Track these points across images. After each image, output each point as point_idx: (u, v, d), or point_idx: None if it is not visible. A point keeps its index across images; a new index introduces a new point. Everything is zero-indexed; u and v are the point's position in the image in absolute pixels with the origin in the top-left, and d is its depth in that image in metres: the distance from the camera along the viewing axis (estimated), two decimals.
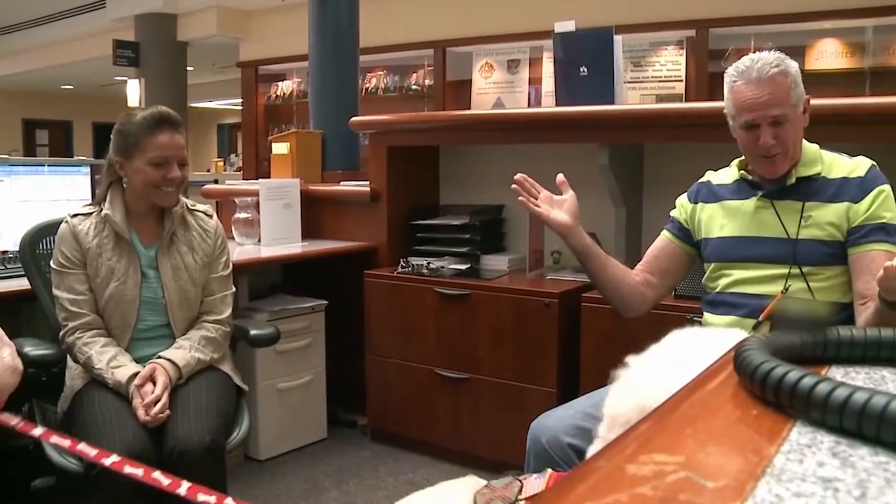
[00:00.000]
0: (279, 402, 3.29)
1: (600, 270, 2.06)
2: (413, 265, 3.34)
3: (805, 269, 1.89)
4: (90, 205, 2.29)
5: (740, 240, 1.99)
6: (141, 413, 2.00)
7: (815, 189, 1.91)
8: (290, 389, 3.32)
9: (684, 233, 2.14)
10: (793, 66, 1.88)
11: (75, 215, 2.24)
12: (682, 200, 2.17)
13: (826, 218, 1.88)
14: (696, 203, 2.12)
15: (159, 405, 2.02)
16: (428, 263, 3.31)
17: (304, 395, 3.39)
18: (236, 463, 3.16)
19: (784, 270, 1.91)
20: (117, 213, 2.21)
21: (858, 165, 1.92)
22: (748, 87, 1.86)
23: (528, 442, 1.97)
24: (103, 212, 2.21)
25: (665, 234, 2.18)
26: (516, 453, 2.93)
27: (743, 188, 2.02)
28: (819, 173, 1.92)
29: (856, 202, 1.87)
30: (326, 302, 3.46)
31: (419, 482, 3.06)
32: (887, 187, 1.88)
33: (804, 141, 1.96)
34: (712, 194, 2.09)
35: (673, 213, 2.19)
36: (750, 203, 1.99)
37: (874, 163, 1.93)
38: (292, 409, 3.34)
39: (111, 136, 2.23)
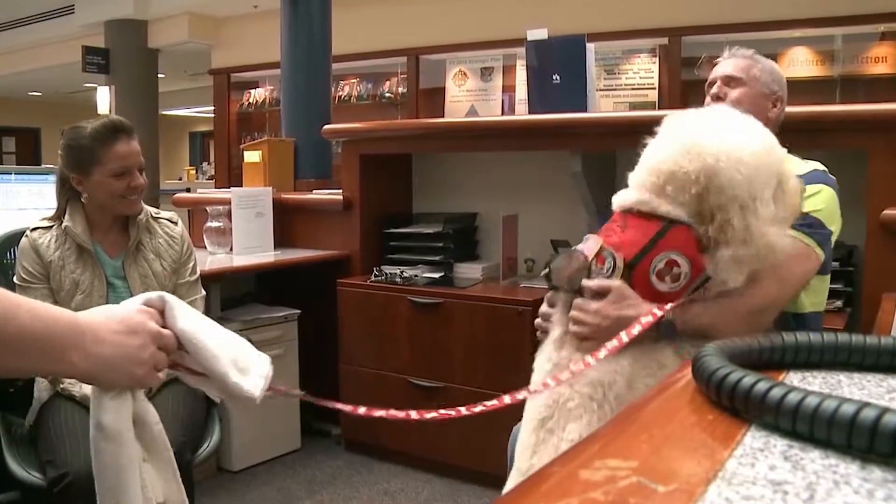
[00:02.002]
0: (252, 412, 3.26)
1: None
2: (386, 274, 3.33)
3: None
4: (49, 218, 2.25)
5: None
6: None
7: None
8: (263, 399, 3.29)
9: None
10: (766, 62, 2.01)
11: (35, 229, 2.20)
12: None
13: None
14: None
15: None
16: (401, 272, 3.31)
17: (277, 406, 3.37)
18: (209, 474, 3.13)
19: None
20: (78, 226, 2.17)
21: (803, 167, 1.89)
22: (720, 62, 2.06)
23: (510, 447, 1.96)
24: (64, 224, 2.17)
25: None
26: (491, 462, 2.94)
27: None
28: None
29: None
30: (299, 311, 3.44)
31: (393, 492, 3.05)
32: (823, 188, 1.82)
33: None
34: None
35: None
36: None
37: (820, 168, 1.90)
38: (265, 419, 3.32)
39: (61, 153, 2.17)
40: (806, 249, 1.72)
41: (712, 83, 2.04)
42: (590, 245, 1.52)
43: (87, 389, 2.03)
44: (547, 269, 1.56)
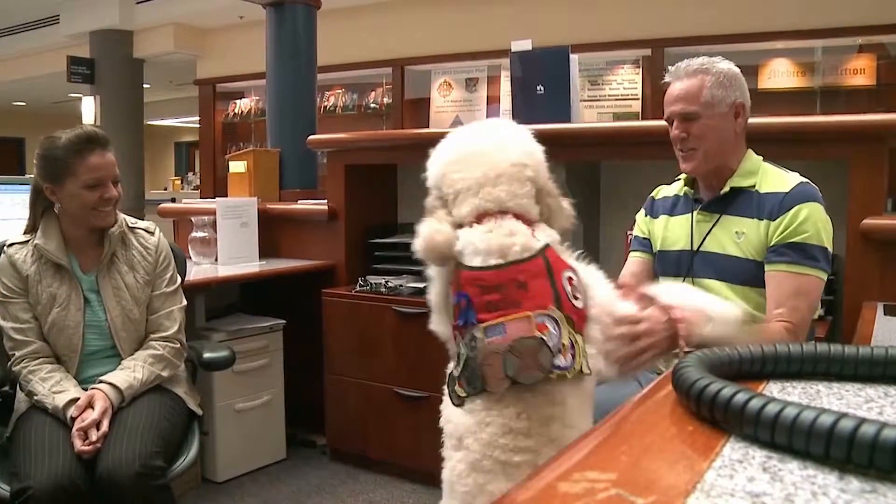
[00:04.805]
0: (237, 422, 3.25)
1: None
2: (371, 284, 3.33)
3: (730, 284, 1.90)
4: (26, 232, 2.23)
5: (678, 253, 2.01)
6: (77, 443, 1.93)
7: (745, 203, 1.90)
8: (248, 410, 3.29)
9: (649, 245, 2.14)
10: (722, 68, 1.89)
11: (11, 244, 2.19)
12: (640, 215, 2.19)
13: (753, 234, 1.87)
14: (647, 216, 2.15)
15: (99, 433, 1.96)
16: (386, 282, 3.30)
17: (262, 416, 3.36)
18: (193, 486, 3.11)
19: (715, 283, 1.92)
20: (51, 242, 2.15)
21: (787, 182, 1.87)
22: (672, 84, 1.95)
23: None
24: (35, 242, 2.16)
25: (635, 256, 2.16)
26: None
27: (687, 202, 2.04)
28: (753, 186, 1.91)
29: (773, 219, 1.83)
30: (284, 321, 3.43)
31: (379, 502, 3.04)
32: (811, 205, 1.81)
33: (750, 152, 1.97)
34: (659, 209, 2.12)
35: (634, 232, 2.19)
36: (688, 217, 2.01)
37: (805, 180, 1.88)
38: (250, 429, 3.30)
39: (35, 162, 2.15)
40: (806, 281, 1.78)
41: (670, 119, 1.95)
42: (517, 327, 1.41)
43: (59, 402, 2.01)
44: (506, 378, 1.41)
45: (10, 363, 2.13)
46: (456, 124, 6.91)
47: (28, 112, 15.32)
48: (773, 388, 0.78)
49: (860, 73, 5.66)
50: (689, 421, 0.65)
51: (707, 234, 1.94)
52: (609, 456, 0.57)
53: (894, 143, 2.38)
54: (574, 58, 3.13)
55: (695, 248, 1.95)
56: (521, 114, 3.26)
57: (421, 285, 3.31)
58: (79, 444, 1.93)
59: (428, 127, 7.02)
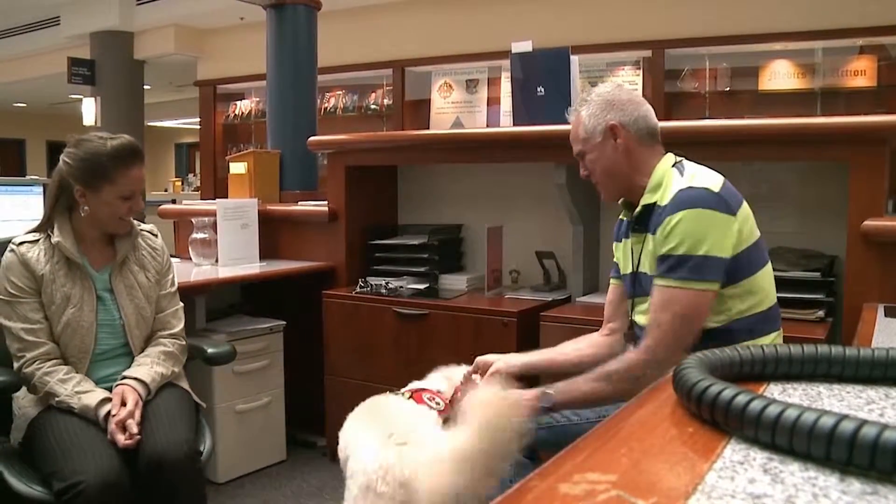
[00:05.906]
0: (237, 423, 3.25)
1: (564, 367, 2.04)
2: (371, 285, 3.33)
3: (647, 301, 1.86)
4: (34, 230, 2.23)
5: (629, 276, 2.00)
6: (120, 438, 1.96)
7: (650, 218, 1.85)
8: (248, 411, 3.28)
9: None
10: (595, 98, 1.90)
11: (21, 243, 2.17)
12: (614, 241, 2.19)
13: (650, 249, 1.85)
14: (615, 242, 2.13)
15: (134, 421, 2.00)
16: (386, 283, 3.31)
17: (262, 417, 3.35)
18: None
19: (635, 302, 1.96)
20: (67, 240, 2.16)
21: (670, 192, 1.78)
22: None
23: None
24: (54, 239, 2.16)
25: (611, 282, 2.15)
26: None
27: (629, 225, 2.01)
28: (656, 201, 1.84)
29: (654, 233, 1.80)
30: (285, 322, 3.43)
31: None
32: (683, 213, 1.71)
33: (661, 163, 1.87)
34: (618, 233, 2.10)
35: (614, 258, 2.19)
36: (628, 240, 2.00)
37: (687, 185, 1.76)
38: (251, 430, 3.30)
39: (70, 162, 2.14)
40: (670, 294, 1.72)
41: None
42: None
43: (88, 401, 2.02)
44: None
45: (19, 365, 2.10)
46: (456, 125, 6.92)
47: (28, 113, 15.33)
48: (774, 390, 0.78)
49: (861, 74, 5.65)
50: (689, 422, 0.64)
51: (640, 255, 1.92)
52: (610, 457, 0.57)
53: (895, 145, 2.38)
54: (574, 59, 3.13)
55: (634, 269, 1.95)
56: (522, 115, 3.26)
57: (421, 287, 3.32)
58: (121, 439, 1.96)
59: (428, 128, 7.02)
